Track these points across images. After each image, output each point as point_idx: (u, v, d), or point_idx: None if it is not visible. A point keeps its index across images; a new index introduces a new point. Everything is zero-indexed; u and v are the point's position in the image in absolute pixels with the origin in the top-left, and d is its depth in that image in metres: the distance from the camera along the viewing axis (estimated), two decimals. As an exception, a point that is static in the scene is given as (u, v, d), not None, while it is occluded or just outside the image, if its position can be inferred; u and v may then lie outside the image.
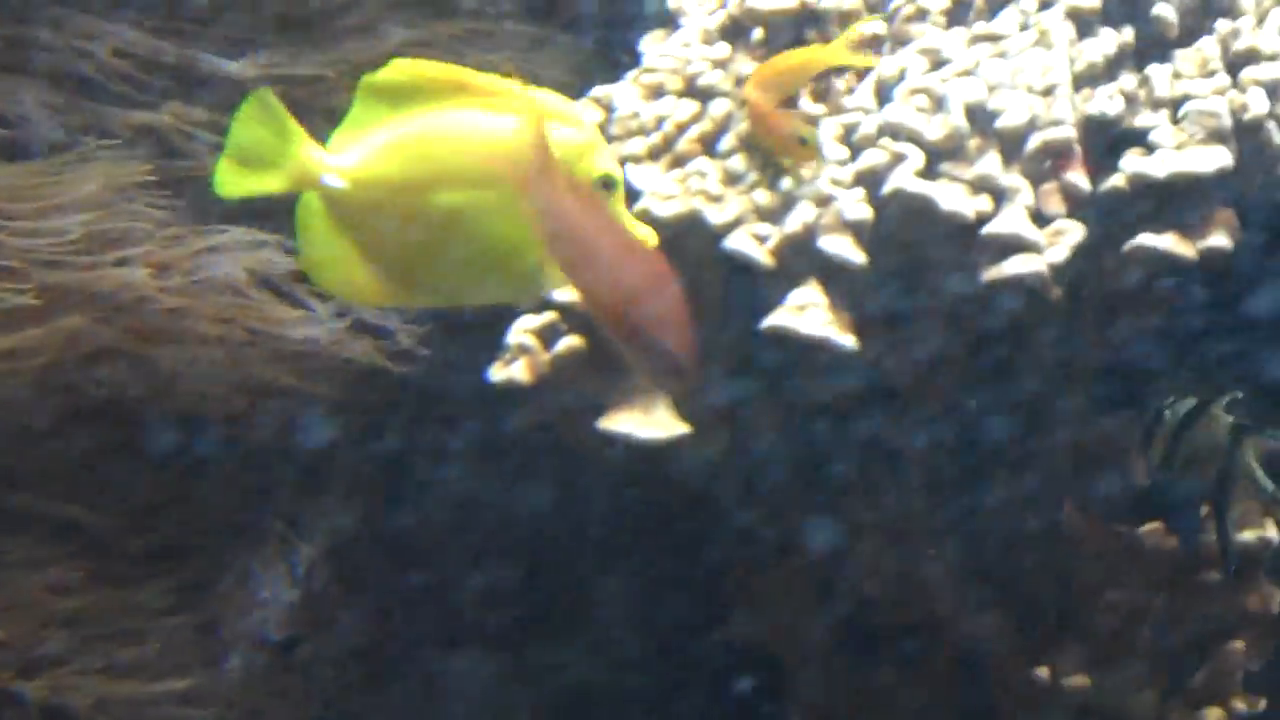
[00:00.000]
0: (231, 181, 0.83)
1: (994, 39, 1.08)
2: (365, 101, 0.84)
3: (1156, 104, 1.06)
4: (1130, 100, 1.06)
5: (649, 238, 0.85)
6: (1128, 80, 1.07)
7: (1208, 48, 1.09)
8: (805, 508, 1.19)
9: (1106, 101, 1.05)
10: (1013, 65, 1.06)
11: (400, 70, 0.84)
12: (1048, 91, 1.04)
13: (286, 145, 0.82)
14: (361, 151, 0.83)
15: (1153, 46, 1.10)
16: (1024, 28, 1.09)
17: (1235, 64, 1.08)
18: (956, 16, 1.12)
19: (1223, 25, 1.10)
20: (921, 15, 1.12)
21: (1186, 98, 1.06)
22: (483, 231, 0.83)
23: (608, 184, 0.85)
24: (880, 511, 1.18)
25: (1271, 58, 1.07)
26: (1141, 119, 1.06)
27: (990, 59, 1.06)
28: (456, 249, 0.83)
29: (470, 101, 0.83)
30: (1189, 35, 1.11)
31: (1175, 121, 1.06)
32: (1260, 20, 1.10)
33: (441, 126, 0.83)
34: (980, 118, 1.04)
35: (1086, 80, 1.06)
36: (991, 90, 1.05)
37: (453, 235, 0.83)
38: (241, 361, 1.10)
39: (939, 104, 1.04)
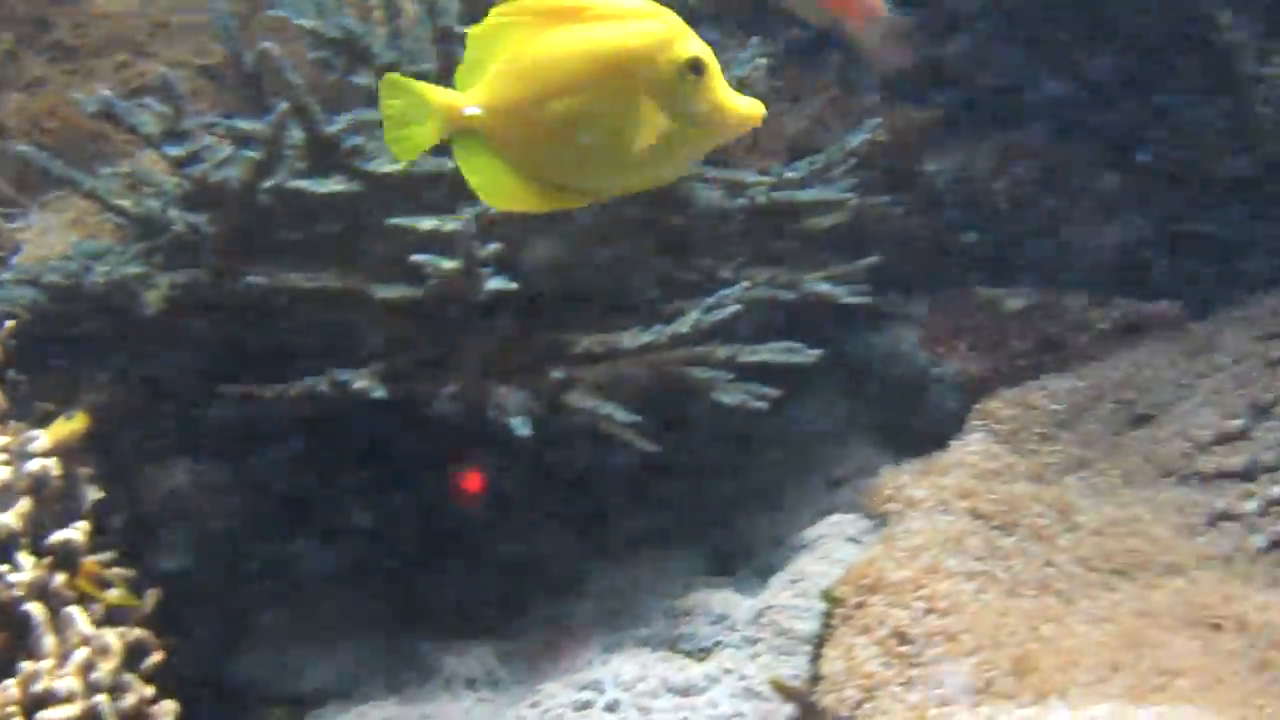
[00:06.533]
0: (399, 148, 1.01)
1: None
2: (473, 49, 1.01)
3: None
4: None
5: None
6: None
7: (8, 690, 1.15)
8: None
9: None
10: None
11: (494, 17, 1.00)
12: None
13: (426, 101, 1.00)
14: (486, 84, 1.00)
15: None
16: None
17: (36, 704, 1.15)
18: None
19: (26, 666, 1.17)
20: None
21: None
22: (599, 127, 0.99)
23: (696, 67, 0.99)
24: None
25: (68, 698, 1.16)
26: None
27: None
28: (580, 146, 1.00)
29: (558, 21, 1.00)
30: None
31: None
32: (61, 660, 1.19)
33: (550, 47, 0.99)
34: None
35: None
36: None
37: (574, 135, 1.00)
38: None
39: None
